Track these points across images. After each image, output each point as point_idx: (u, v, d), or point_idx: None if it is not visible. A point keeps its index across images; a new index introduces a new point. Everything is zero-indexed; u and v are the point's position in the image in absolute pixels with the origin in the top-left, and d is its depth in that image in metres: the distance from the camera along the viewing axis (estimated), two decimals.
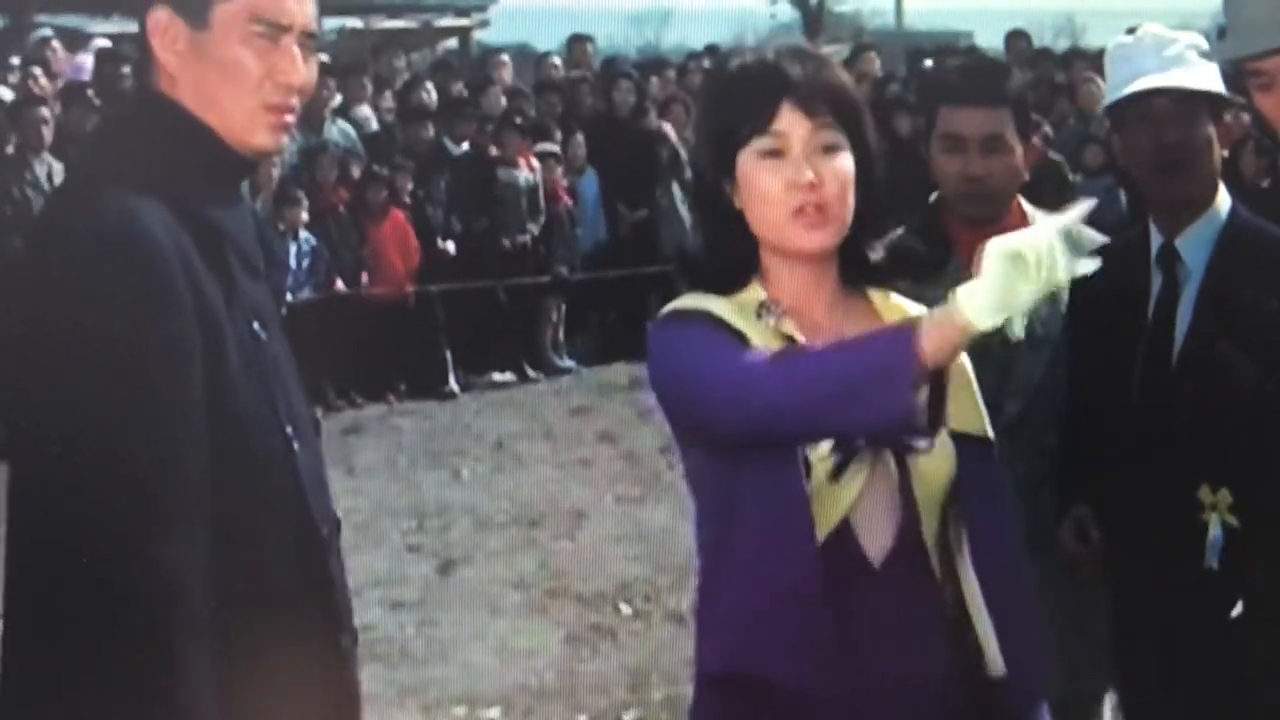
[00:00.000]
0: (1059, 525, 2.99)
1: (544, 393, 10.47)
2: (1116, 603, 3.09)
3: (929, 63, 12.63)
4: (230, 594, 1.95)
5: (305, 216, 9.99)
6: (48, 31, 10.80)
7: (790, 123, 2.14)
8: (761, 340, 2.12)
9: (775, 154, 2.15)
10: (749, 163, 2.16)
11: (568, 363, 11.13)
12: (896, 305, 2.25)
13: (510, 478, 8.19)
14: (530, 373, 10.87)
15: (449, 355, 10.49)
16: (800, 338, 2.14)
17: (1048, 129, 11.56)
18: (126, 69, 9.94)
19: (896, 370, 1.93)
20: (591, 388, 10.38)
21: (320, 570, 2.10)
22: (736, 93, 2.19)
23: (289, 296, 9.67)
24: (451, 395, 10.31)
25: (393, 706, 5.17)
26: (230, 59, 2.03)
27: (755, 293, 2.19)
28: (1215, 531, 2.85)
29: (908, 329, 1.96)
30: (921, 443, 2.07)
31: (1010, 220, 3.00)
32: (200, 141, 2.04)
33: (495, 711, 5.17)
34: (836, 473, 2.10)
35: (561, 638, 5.81)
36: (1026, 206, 3.02)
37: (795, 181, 2.13)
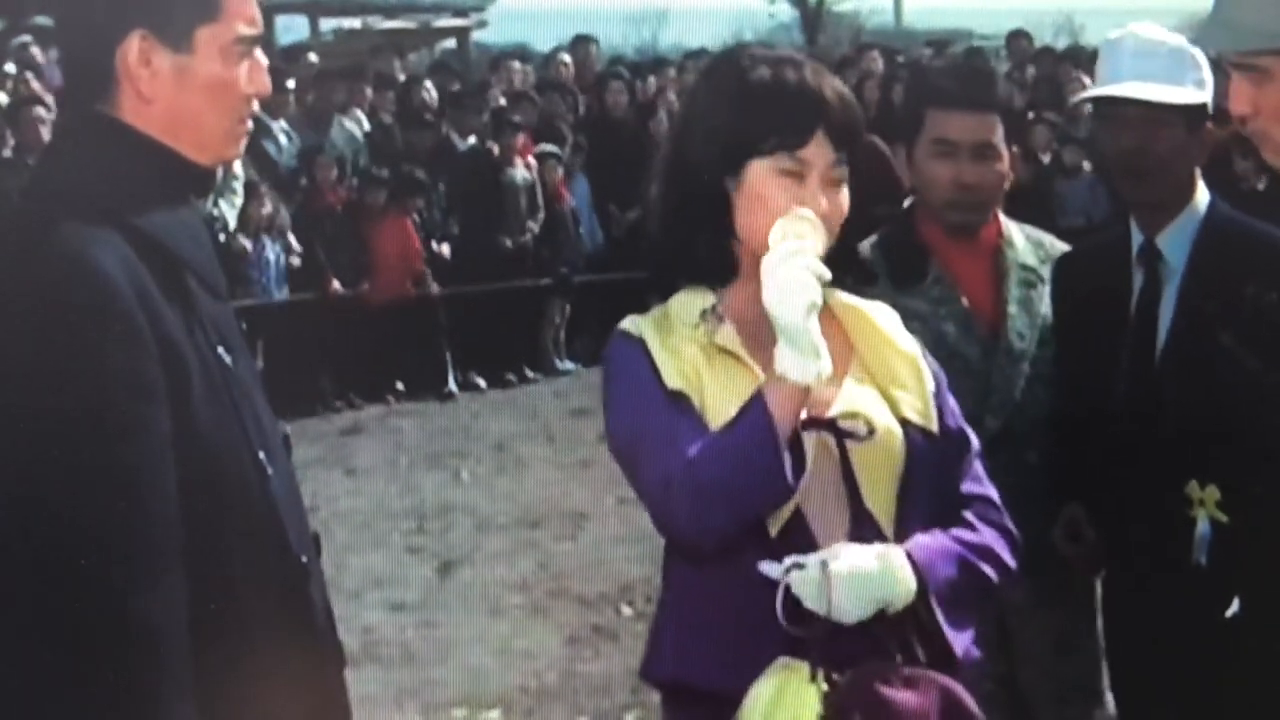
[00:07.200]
0: (1051, 528, 2.98)
1: (544, 394, 10.46)
2: (1106, 600, 3.08)
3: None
4: (209, 631, 1.92)
5: (269, 210, 9.82)
6: (27, 38, 10.72)
7: (817, 152, 2.18)
8: (689, 359, 2.16)
9: (793, 175, 2.18)
10: (762, 174, 2.19)
11: (568, 364, 11.11)
12: (845, 303, 2.28)
13: (511, 479, 8.18)
14: (530, 374, 10.86)
15: (449, 356, 10.49)
16: (737, 350, 2.18)
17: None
18: None
19: (765, 455, 2.04)
20: (592, 389, 10.26)
21: (301, 599, 2.07)
22: (768, 104, 2.19)
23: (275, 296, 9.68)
24: (451, 396, 10.30)
25: (393, 708, 5.17)
26: (217, 79, 2.03)
27: (704, 298, 2.23)
28: (1203, 527, 2.85)
29: (758, 406, 2.06)
30: (861, 431, 2.14)
31: (989, 230, 2.97)
32: (161, 163, 2.01)
33: (496, 713, 5.16)
34: None
35: (562, 639, 5.81)
36: (1003, 219, 3.00)
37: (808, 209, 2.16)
